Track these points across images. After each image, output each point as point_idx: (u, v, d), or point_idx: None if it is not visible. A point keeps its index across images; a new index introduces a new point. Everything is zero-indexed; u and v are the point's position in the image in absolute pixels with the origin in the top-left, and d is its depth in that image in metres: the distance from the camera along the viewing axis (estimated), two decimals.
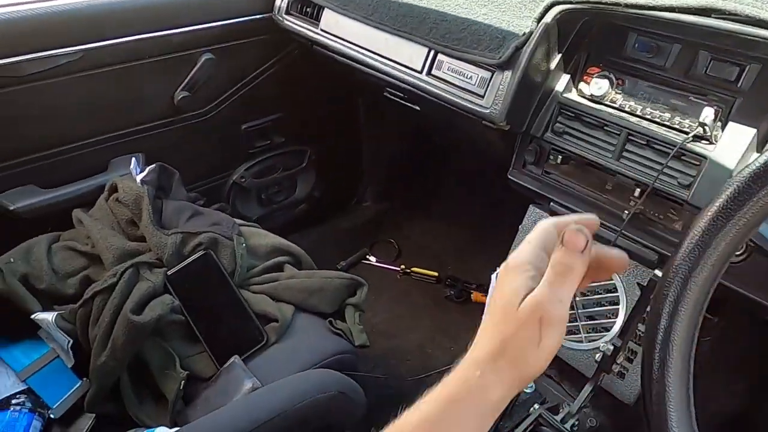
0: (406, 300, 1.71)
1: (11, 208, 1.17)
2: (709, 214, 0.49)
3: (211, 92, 1.44)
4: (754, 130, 0.83)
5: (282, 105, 1.61)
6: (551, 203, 1.08)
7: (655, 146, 0.91)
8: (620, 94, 0.97)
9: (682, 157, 0.88)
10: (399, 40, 1.15)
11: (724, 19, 0.77)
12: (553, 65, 1.01)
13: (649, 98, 0.94)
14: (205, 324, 1.05)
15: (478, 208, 1.95)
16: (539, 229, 0.46)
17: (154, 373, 0.99)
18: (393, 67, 1.18)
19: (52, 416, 0.95)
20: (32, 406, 0.94)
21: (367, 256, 1.85)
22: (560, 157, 1.03)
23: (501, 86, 1.00)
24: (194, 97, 1.38)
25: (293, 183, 1.78)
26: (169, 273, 1.06)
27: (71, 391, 0.97)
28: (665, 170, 0.88)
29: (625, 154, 0.95)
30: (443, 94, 1.09)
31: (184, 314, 1.04)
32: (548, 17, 0.95)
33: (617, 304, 1.05)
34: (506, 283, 0.44)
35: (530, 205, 1.18)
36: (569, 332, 1.11)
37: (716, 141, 0.86)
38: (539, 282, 0.43)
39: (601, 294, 1.07)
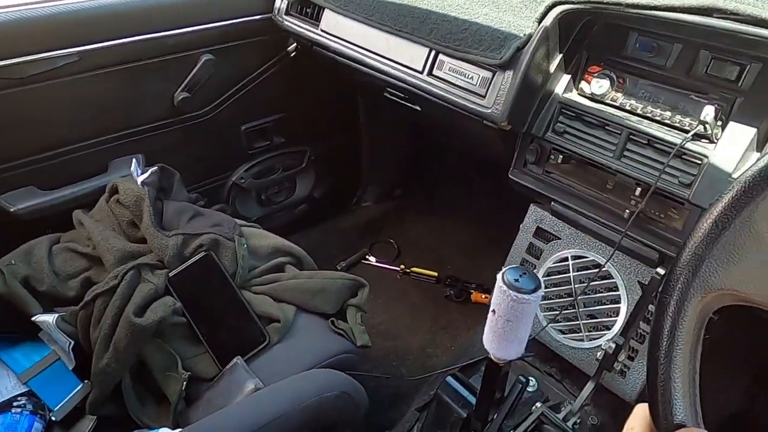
0: (405, 300, 1.71)
1: (11, 209, 1.17)
2: (716, 211, 0.49)
3: (211, 93, 1.43)
4: (755, 130, 0.83)
5: (282, 105, 1.61)
6: (552, 203, 1.08)
7: (656, 145, 0.92)
8: (621, 93, 0.98)
9: (683, 156, 0.88)
10: (400, 41, 1.15)
11: (725, 18, 0.78)
12: (553, 65, 1.01)
13: (650, 97, 0.95)
14: (207, 325, 1.05)
15: (478, 208, 1.95)
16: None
17: (155, 374, 0.99)
18: (394, 68, 1.18)
19: (53, 418, 0.95)
20: (33, 409, 0.94)
21: (367, 256, 1.85)
22: (561, 156, 1.04)
23: (502, 86, 1.00)
24: (194, 97, 1.38)
25: (293, 183, 1.78)
26: (170, 274, 1.05)
27: (72, 393, 0.97)
28: (666, 169, 0.88)
29: (626, 153, 0.95)
30: (444, 94, 1.09)
31: (185, 316, 1.03)
32: (549, 18, 0.96)
33: (618, 302, 1.05)
34: None
35: (531, 205, 1.18)
36: (570, 331, 1.12)
37: (717, 140, 0.86)
38: None
39: (602, 293, 1.07)
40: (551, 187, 1.08)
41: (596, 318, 1.08)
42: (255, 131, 1.59)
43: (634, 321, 0.95)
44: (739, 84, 0.86)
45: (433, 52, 1.11)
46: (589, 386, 0.98)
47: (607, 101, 0.98)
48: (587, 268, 1.09)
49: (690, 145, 0.87)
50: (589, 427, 1.00)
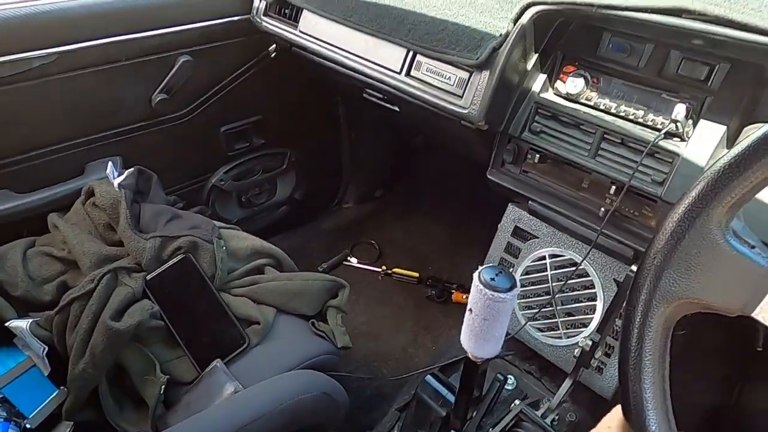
0: (387, 301, 1.71)
1: None
2: (681, 209, 0.50)
3: (190, 95, 1.42)
4: (724, 128, 0.85)
5: (261, 107, 1.60)
6: (530, 202, 1.09)
7: (630, 144, 0.93)
8: (595, 92, 0.99)
9: (656, 155, 0.90)
10: (377, 41, 1.16)
11: (693, 19, 0.79)
12: (529, 65, 1.02)
13: (623, 96, 0.96)
14: (186, 329, 1.04)
15: (458, 208, 1.97)
16: None
17: (133, 378, 0.98)
18: (372, 69, 1.18)
19: (28, 426, 0.93)
20: (7, 416, 0.92)
21: (349, 258, 1.85)
22: (538, 156, 1.05)
23: (479, 86, 1.01)
24: (172, 99, 1.37)
25: (274, 185, 1.78)
26: (148, 278, 1.05)
27: (48, 399, 0.96)
28: (639, 168, 0.90)
29: (600, 152, 0.96)
30: (422, 94, 1.10)
31: (163, 319, 1.03)
32: (525, 18, 0.96)
33: (595, 300, 1.06)
34: None
35: (509, 204, 1.19)
36: (548, 329, 1.13)
37: (688, 138, 0.88)
38: None
39: (579, 291, 1.08)
40: (528, 187, 1.09)
41: (573, 316, 1.09)
42: (235, 133, 1.58)
43: (610, 318, 0.96)
44: (709, 83, 0.87)
45: (410, 53, 1.11)
46: (567, 383, 0.99)
47: (582, 100, 0.99)
48: (564, 267, 1.10)
49: (662, 144, 0.89)
50: (567, 423, 1.01)
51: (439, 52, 1.05)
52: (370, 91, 1.28)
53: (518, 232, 1.18)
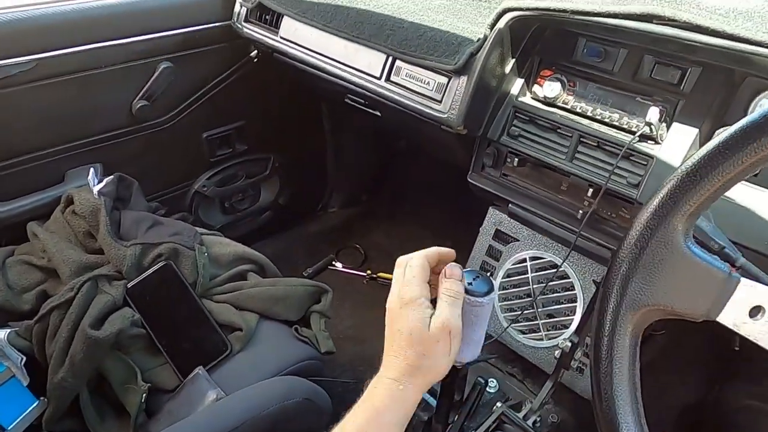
0: (372, 305, 1.70)
1: None
2: (643, 218, 0.51)
3: (171, 101, 1.42)
4: (697, 130, 0.87)
5: (244, 113, 1.60)
6: (510, 205, 1.10)
7: (606, 147, 0.95)
8: (572, 95, 1.00)
9: (631, 158, 0.91)
10: (357, 47, 1.16)
11: (664, 24, 0.80)
12: (507, 70, 1.03)
13: (599, 100, 0.98)
14: (167, 336, 1.03)
15: (440, 212, 1.97)
16: (417, 266, 0.59)
17: (114, 387, 0.97)
18: (352, 74, 1.18)
19: None
20: None
21: (333, 263, 1.85)
22: (517, 159, 1.06)
23: (457, 91, 1.02)
24: (153, 106, 1.36)
25: (257, 190, 1.77)
26: (128, 285, 1.04)
27: (28, 410, 0.95)
28: (615, 170, 0.91)
29: (577, 155, 0.98)
30: (402, 99, 1.10)
31: (144, 327, 1.02)
32: (501, 23, 0.98)
33: (575, 301, 1.08)
34: (408, 315, 0.57)
35: (490, 208, 1.20)
36: (530, 331, 1.14)
37: (662, 141, 0.90)
38: (432, 308, 0.58)
39: (559, 292, 1.09)
40: (508, 190, 1.10)
41: (555, 317, 1.10)
42: (217, 139, 1.58)
43: (589, 319, 0.97)
44: (681, 87, 0.89)
45: (390, 59, 1.12)
46: (548, 384, 1.00)
47: (559, 104, 1.01)
48: (545, 269, 1.11)
49: (637, 146, 0.90)
50: (549, 424, 1.02)
51: (418, 57, 1.06)
52: (352, 96, 1.29)
53: (499, 236, 1.19)
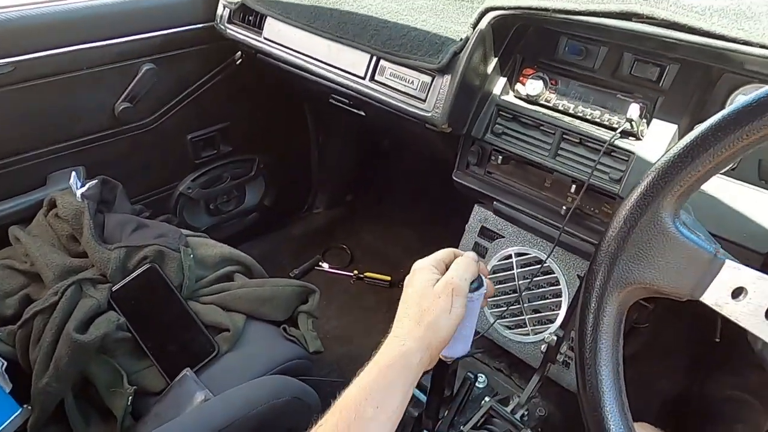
0: (359, 304, 1.71)
1: None
2: (633, 198, 0.52)
3: (154, 103, 1.41)
4: (676, 126, 0.88)
5: (228, 114, 1.60)
6: (495, 202, 1.11)
7: (588, 144, 0.96)
8: (554, 93, 1.02)
9: (613, 154, 0.93)
10: (341, 47, 1.17)
11: (643, 22, 0.82)
12: (490, 68, 1.04)
13: (581, 97, 0.99)
14: (153, 339, 1.03)
15: (426, 210, 1.98)
16: (439, 252, 0.65)
17: (100, 390, 0.96)
18: (336, 74, 1.19)
19: None
20: None
21: (320, 263, 1.85)
22: (501, 157, 1.07)
23: (441, 90, 1.03)
24: (136, 107, 1.35)
25: (242, 192, 1.77)
26: (113, 289, 1.03)
27: (11, 418, 0.93)
28: (597, 166, 0.93)
29: (560, 152, 0.99)
30: (386, 99, 1.11)
31: (130, 331, 1.01)
32: (483, 23, 0.99)
33: (560, 296, 1.09)
34: (416, 278, 0.62)
35: (475, 205, 1.21)
36: (517, 326, 1.15)
37: (642, 137, 0.91)
38: (440, 276, 0.61)
39: (544, 288, 1.11)
40: (493, 187, 1.11)
41: (540, 312, 1.12)
42: (201, 140, 1.57)
43: (574, 313, 0.98)
44: (660, 84, 0.91)
45: (374, 58, 1.12)
46: (535, 378, 1.01)
47: (541, 102, 1.02)
48: (530, 265, 1.12)
49: (618, 143, 0.92)
50: (536, 417, 1.03)
51: (401, 57, 1.06)
52: (336, 96, 1.29)
53: (485, 232, 1.20)
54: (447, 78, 1.02)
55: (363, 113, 1.28)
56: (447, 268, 0.64)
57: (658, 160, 0.50)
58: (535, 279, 1.11)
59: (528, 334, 1.13)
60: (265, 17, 1.32)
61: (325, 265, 1.84)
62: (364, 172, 2.11)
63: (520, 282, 1.13)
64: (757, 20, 0.74)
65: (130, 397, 0.93)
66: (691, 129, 0.87)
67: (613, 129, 0.93)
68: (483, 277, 0.66)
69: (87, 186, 1.16)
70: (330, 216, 2.05)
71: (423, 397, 0.93)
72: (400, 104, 1.09)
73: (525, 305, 1.13)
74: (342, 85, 1.19)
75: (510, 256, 1.15)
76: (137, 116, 1.38)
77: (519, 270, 1.13)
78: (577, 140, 0.97)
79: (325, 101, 1.35)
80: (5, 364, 0.94)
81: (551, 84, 1.02)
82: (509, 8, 0.94)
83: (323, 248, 1.91)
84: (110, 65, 1.28)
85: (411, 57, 1.05)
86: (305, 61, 1.24)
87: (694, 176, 0.49)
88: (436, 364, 0.80)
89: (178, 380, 0.98)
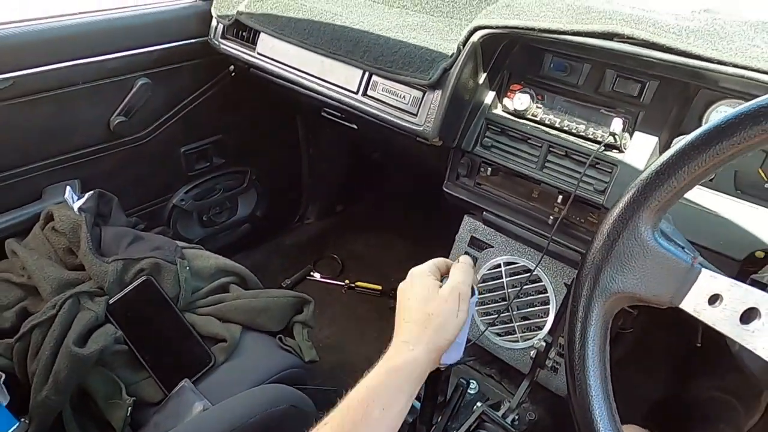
0: (351, 314, 1.74)
1: None
2: (615, 213, 0.56)
3: (148, 116, 1.43)
4: (656, 139, 0.93)
5: (221, 127, 1.62)
6: (484, 213, 1.15)
7: (574, 156, 1.00)
8: (540, 108, 1.05)
9: (597, 166, 0.97)
10: (334, 63, 1.20)
11: (624, 42, 0.86)
12: (479, 83, 1.08)
13: (566, 111, 1.03)
14: (151, 351, 1.04)
15: (416, 220, 2.01)
16: (434, 260, 0.68)
17: (98, 402, 0.97)
18: (330, 89, 1.22)
19: None
20: None
21: (312, 273, 1.87)
22: (490, 169, 1.10)
23: (432, 105, 1.06)
24: (131, 121, 1.37)
25: (235, 203, 1.79)
26: (110, 302, 1.04)
27: None
28: (583, 178, 0.96)
29: (547, 164, 1.03)
30: (379, 113, 1.14)
31: (127, 343, 1.03)
32: (472, 40, 1.02)
33: (548, 304, 1.12)
34: (417, 284, 0.64)
35: (465, 216, 1.25)
36: (506, 333, 1.18)
37: (625, 149, 0.95)
38: (440, 283, 0.64)
39: (533, 295, 1.14)
40: (483, 198, 1.14)
41: (529, 319, 1.15)
42: (195, 153, 1.59)
43: (561, 319, 1.02)
44: (641, 99, 0.95)
45: (366, 74, 1.16)
46: (525, 384, 1.04)
47: (528, 116, 1.06)
48: (519, 273, 1.16)
49: (602, 155, 0.96)
50: (527, 422, 1.06)
51: (393, 72, 1.10)
52: (328, 110, 1.32)
53: (474, 242, 1.23)
54: (438, 93, 1.05)
55: (355, 126, 1.31)
56: (442, 275, 0.66)
57: (638, 177, 0.54)
58: (524, 287, 1.14)
59: (517, 341, 1.16)
60: (259, 33, 1.35)
61: (317, 275, 1.86)
62: (355, 183, 2.14)
63: (509, 290, 1.16)
64: (730, 41, 0.78)
65: (129, 408, 0.94)
66: (671, 142, 0.92)
67: (598, 142, 0.97)
68: (474, 286, 0.69)
69: (84, 199, 1.18)
70: (321, 226, 2.07)
71: (416, 404, 0.95)
72: (392, 118, 1.12)
73: (514, 313, 1.16)
74: (335, 99, 1.22)
75: (499, 265, 1.18)
76: (132, 130, 1.40)
77: (508, 278, 1.17)
78: (563, 153, 1.01)
79: (317, 114, 1.38)
80: (3, 376, 0.95)
81: (538, 99, 1.06)
82: (497, 27, 0.98)
83: (315, 258, 1.93)
84: (106, 80, 1.30)
85: (403, 73, 1.08)
86: (298, 75, 1.27)
87: (670, 193, 0.52)
88: (430, 372, 0.83)
89: (177, 390, 0.99)
